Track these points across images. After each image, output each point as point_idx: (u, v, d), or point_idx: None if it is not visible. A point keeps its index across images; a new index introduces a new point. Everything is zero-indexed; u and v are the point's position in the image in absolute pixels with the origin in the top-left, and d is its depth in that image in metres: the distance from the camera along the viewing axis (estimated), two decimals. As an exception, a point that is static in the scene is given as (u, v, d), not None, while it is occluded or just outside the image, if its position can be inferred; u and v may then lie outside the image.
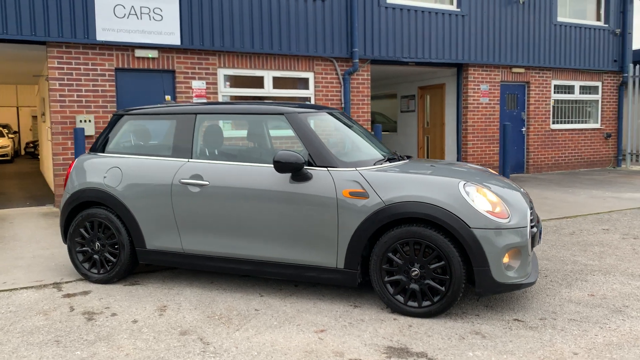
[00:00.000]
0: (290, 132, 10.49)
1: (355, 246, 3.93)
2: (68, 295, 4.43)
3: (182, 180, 4.40)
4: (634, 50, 16.11)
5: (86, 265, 4.78)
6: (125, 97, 9.18)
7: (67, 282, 4.79)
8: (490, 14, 12.53)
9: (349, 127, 4.81)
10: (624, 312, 3.91)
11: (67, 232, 4.87)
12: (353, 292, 4.40)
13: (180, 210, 4.40)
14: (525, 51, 13.12)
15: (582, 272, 4.94)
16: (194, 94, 9.59)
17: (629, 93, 14.98)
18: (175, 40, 9.27)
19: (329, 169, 4.07)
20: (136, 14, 8.94)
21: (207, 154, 4.58)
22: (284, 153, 3.98)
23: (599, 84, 14.70)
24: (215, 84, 9.80)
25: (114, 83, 8.98)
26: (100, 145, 4.92)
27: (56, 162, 8.73)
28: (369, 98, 11.35)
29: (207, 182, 4.32)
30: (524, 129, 13.60)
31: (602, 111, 14.85)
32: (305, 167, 4.06)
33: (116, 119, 4.93)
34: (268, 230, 4.16)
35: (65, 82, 8.68)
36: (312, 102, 10.80)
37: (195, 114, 4.58)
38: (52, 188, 9.29)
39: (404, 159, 4.68)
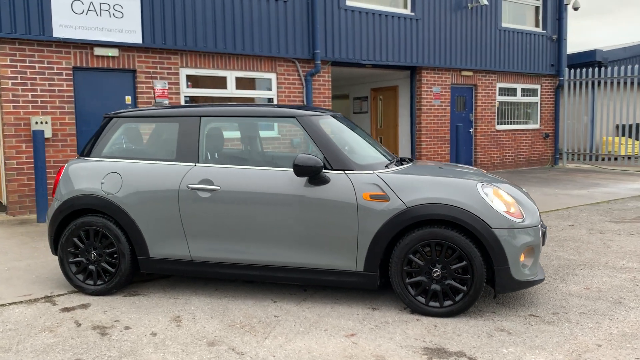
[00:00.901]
0: (274, 134, 10.38)
1: (375, 249, 3.95)
2: (66, 310, 4.16)
3: (191, 186, 4.24)
4: (568, 55, 17.12)
5: (80, 276, 4.51)
6: (84, 97, 8.73)
7: (59, 296, 4.50)
8: (442, 18, 12.93)
9: (352, 130, 4.82)
10: (624, 304, 4.17)
11: (58, 242, 4.57)
12: (367, 295, 4.42)
13: (188, 217, 4.25)
14: (473, 55, 13.64)
15: (569, 267, 5.21)
16: (155, 95, 9.26)
17: (565, 95, 15.92)
18: (136, 38, 8.91)
19: (346, 172, 4.07)
20: (95, 11, 8.52)
21: (215, 157, 4.45)
22: (303, 157, 3.94)
23: (537, 86, 15.52)
24: (178, 84, 9.51)
25: (71, 83, 8.51)
26: (92, 149, 4.65)
27: (9, 167, 8.16)
28: (330, 99, 11.41)
29: (218, 187, 4.20)
30: (472, 130, 14.14)
31: (540, 113, 15.68)
32: (323, 170, 4.04)
33: (109, 121, 4.69)
34: (284, 234, 4.10)
35: (19, 81, 8.13)
36: (275, 103, 10.71)
37: (200, 116, 4.44)
38: (4, 195, 8.68)
39: (407, 161, 4.75)
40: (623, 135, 16.44)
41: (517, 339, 3.52)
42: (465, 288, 3.85)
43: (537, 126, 15.64)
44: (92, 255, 4.45)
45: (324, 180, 4.04)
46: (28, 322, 3.91)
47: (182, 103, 9.59)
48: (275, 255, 4.14)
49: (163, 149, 4.51)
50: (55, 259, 5.67)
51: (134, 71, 9.12)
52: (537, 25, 15.30)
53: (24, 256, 5.81)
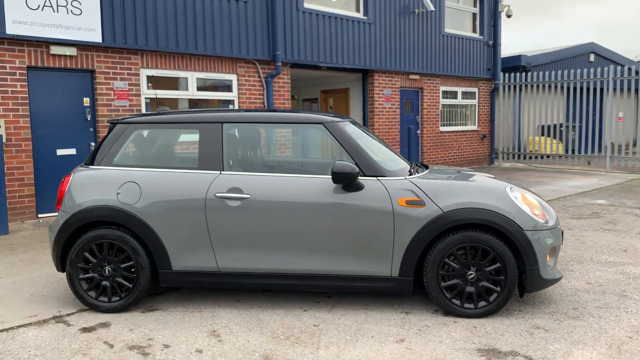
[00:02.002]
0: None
1: (411, 254, 4.01)
2: (86, 330, 3.89)
3: (218, 194, 4.09)
4: (502, 58, 18.05)
5: (92, 293, 4.22)
6: (40, 99, 8.13)
7: (69, 315, 4.19)
8: (392, 23, 13.24)
9: (369, 135, 4.85)
10: (630, 297, 4.49)
11: (66, 258, 4.25)
12: (392, 299, 4.46)
13: (216, 226, 4.10)
14: (420, 59, 14.07)
15: (561, 263, 5.53)
16: (115, 96, 8.81)
17: (500, 98, 16.81)
18: (95, 37, 8.42)
19: (379, 178, 4.09)
20: (52, 6, 7.97)
21: (242, 165, 4.32)
22: (341, 163, 3.92)
23: (475, 90, 16.27)
24: (138, 85, 9.09)
25: (26, 83, 7.91)
26: (101, 157, 4.36)
27: (-42, 175, 7.45)
28: (290, 101, 11.36)
29: (247, 195, 4.08)
30: (419, 132, 14.58)
31: (478, 115, 16.45)
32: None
33: (119, 127, 4.41)
34: (318, 242, 4.06)
35: (-32, 80, 7.45)
36: (236, 105, 10.52)
37: (222, 122, 4.29)
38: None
39: (421, 166, 4.84)
40: (547, 135, 17.57)
41: (556, 336, 3.71)
42: (498, 289, 4.00)
43: (475, 127, 16.38)
44: (106, 270, 4.18)
45: (359, 187, 4.05)
46: (52, 346, 3.61)
47: (143, 105, 9.19)
48: (309, 263, 4.09)
49: (183, 157, 4.33)
50: (43, 274, 5.27)
51: (92, 71, 8.62)
52: (474, 31, 16.03)
53: (2, 274, 5.34)
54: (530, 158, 16.98)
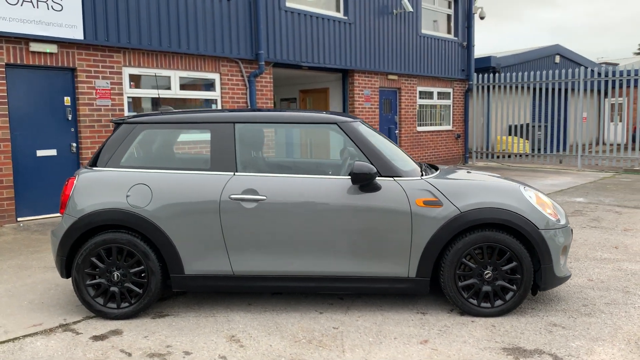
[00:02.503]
0: (201, 137, 9.93)
1: (428, 254, 4.00)
2: (98, 338, 3.74)
3: (233, 196, 4.00)
4: (476, 59, 18.32)
5: (100, 300, 4.07)
6: (18, 98, 7.81)
7: (75, 323, 4.02)
8: (372, 23, 13.28)
9: (379, 135, 4.83)
10: (634, 293, 4.60)
11: (72, 263, 4.08)
12: (407, 300, 4.45)
13: (230, 229, 4.00)
14: (398, 59, 14.17)
15: (559, 261, 5.63)
16: (97, 95, 8.54)
17: (474, 98, 17.08)
18: (77, 34, 8.15)
19: (395, 178, 4.08)
20: (31, 2, 7.67)
21: (255, 166, 4.23)
22: (360, 164, 3.89)
23: (450, 90, 16.49)
24: (121, 83, 8.85)
25: (4, 81, 7.59)
26: (107, 158, 4.20)
27: None
28: (272, 101, 11.25)
29: (264, 197, 4.00)
30: (397, 131, 14.68)
31: (453, 115, 16.68)
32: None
33: (126, 127, 4.26)
34: (335, 244, 4.02)
35: (-56, 78, 7.10)
36: (219, 104, 10.36)
37: (234, 122, 4.20)
38: None
39: (431, 167, 4.84)
40: (515, 135, 17.95)
41: (574, 333, 3.76)
42: (515, 287, 4.03)
43: (450, 127, 16.61)
44: (115, 275, 4.04)
45: (376, 188, 4.02)
46: (66, 356, 3.46)
47: (125, 104, 8.95)
48: (326, 265, 4.04)
49: (194, 158, 4.21)
50: (37, 281, 5.05)
51: (73, 70, 8.34)
52: (449, 32, 16.24)
53: (-8, 280, 5.11)
54: (503, 157, 17.32)
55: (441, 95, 16.16)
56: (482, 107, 17.13)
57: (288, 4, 11.30)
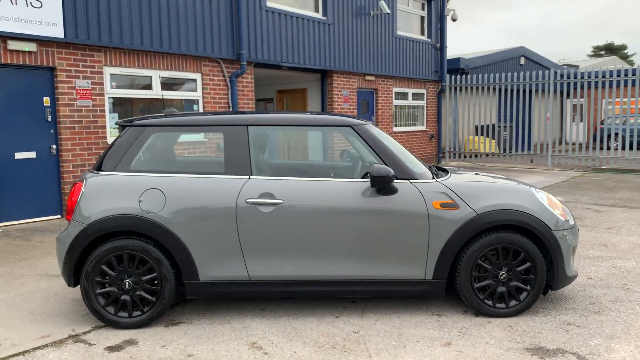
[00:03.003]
0: (200, 137, 9.75)
1: (445, 257, 4.02)
2: (113, 349, 3.61)
3: (250, 200, 3.93)
4: (448, 60, 18.58)
5: (111, 309, 3.93)
6: (-4, 97, 7.50)
7: (85, 333, 3.88)
8: (350, 24, 13.31)
9: (388, 138, 4.83)
10: (634, 290, 4.74)
11: (81, 271, 3.93)
12: (420, 302, 4.46)
13: (247, 234, 3.93)
14: (375, 60, 14.24)
15: (555, 260, 5.76)
16: (77, 95, 8.27)
17: (446, 99, 17.34)
18: (57, 32, 7.87)
19: (410, 181, 4.08)
20: (10, -2, 7.36)
21: (269, 169, 4.16)
22: (379, 167, 3.88)
23: (424, 91, 16.70)
24: (102, 83, 8.60)
25: (-19, 80, 7.27)
26: (115, 162, 4.06)
27: None
28: (254, 102, 11.14)
29: (281, 201, 3.94)
30: (373, 132, 14.74)
31: (426, 115, 16.89)
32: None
33: (134, 130, 4.12)
34: (353, 247, 3.99)
35: None
36: (201, 104, 10.19)
37: (247, 125, 4.12)
38: None
39: (442, 169, 4.86)
40: (482, 135, 18.31)
41: (589, 331, 3.84)
42: (528, 287, 4.10)
43: (424, 128, 16.81)
44: (127, 283, 3.91)
45: (393, 190, 4.02)
46: (84, 369, 3.33)
47: (107, 105, 8.70)
48: (343, 268, 4.01)
49: (207, 161, 4.11)
50: (33, 290, 4.85)
51: (53, 69, 8.05)
52: (422, 34, 16.44)
53: (-16, 289, 4.87)
54: (475, 157, 17.64)
55: (416, 96, 16.34)
56: (452, 107, 17.40)
57: (269, 4, 11.21)
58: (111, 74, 8.77)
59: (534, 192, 4.19)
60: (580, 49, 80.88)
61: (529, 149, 19.56)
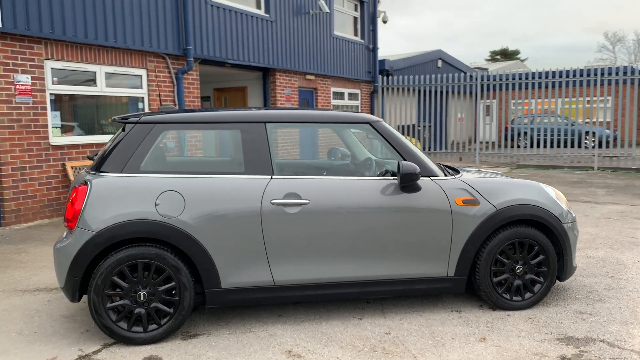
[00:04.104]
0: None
1: (467, 253, 4.05)
2: (137, 368, 3.28)
3: (275, 201, 3.72)
4: (379, 61, 18.93)
5: (123, 324, 3.57)
6: None
7: (96, 352, 3.49)
8: (292, 22, 13.17)
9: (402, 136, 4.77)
10: (617, 277, 5.02)
11: (89, 284, 3.53)
12: (434, 299, 4.45)
13: (272, 236, 3.72)
14: (314, 59, 14.21)
15: (532, 252, 6.00)
16: (16, 91, 7.51)
17: (379, 100, 17.66)
18: (-6, 20, 7.10)
19: (432, 178, 4.06)
20: (-60, -20, 6.54)
21: (290, 168, 3.96)
22: (407, 164, 3.82)
23: (358, 91, 16.91)
24: (43, 79, 7.87)
25: None
26: (121, 163, 3.67)
27: None
28: (200, 100, 10.70)
29: (307, 201, 3.77)
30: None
31: (360, 115, 17.08)
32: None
33: (142, 128, 3.76)
34: (379, 247, 3.91)
35: None
36: (146, 102, 9.63)
37: (265, 122, 3.91)
38: None
39: (451, 168, 4.86)
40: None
41: (603, 319, 4.02)
42: (542, 279, 4.22)
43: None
44: (141, 295, 3.57)
45: (417, 188, 3.98)
46: (117, 393, 2.98)
47: (48, 102, 7.97)
48: (370, 269, 3.92)
49: (224, 161, 3.85)
50: (10, 307, 4.31)
51: (-11, 61, 7.25)
52: (356, 35, 16.63)
53: (-54, 310, 4.27)
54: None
55: (351, 96, 16.51)
56: (380, 107, 17.76)
57: (214, -1, 10.82)
58: (53, 69, 8.04)
59: (543, 187, 4.33)
60: (478, 54, 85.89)
61: (445, 147, 20.40)
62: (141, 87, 9.52)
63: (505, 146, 20.94)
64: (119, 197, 3.57)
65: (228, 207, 3.66)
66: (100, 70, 8.74)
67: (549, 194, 4.28)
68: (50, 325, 3.96)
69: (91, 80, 8.64)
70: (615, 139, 18.01)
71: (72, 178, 8.06)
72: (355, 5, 16.47)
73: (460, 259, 4.05)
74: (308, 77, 14.07)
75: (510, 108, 20.89)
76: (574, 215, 4.42)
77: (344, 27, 15.86)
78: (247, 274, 3.74)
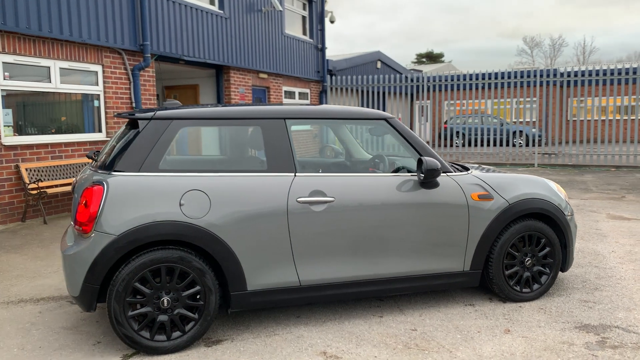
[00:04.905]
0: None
1: (482, 247, 4.12)
2: (170, 379, 3.08)
3: (301, 199, 3.62)
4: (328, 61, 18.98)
5: (146, 333, 3.35)
6: None
7: (118, 365, 3.26)
8: (245, 19, 12.94)
9: None
10: (601, 266, 5.28)
11: (109, 292, 3.28)
12: (443, 294, 4.49)
13: (298, 235, 3.61)
14: (267, 58, 14.05)
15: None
16: (-35, 87, 6.90)
17: (328, 99, 17.72)
18: (-59, 8, 6.48)
19: (447, 174, 4.10)
20: None
21: (310, 165, 3.86)
22: (430, 160, 3.83)
23: (308, 90, 16.89)
24: (-6, 73, 7.27)
25: None
26: (139, 161, 3.43)
27: None
28: (156, 98, 10.28)
29: (332, 198, 3.69)
30: (265, 131, 14.52)
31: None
32: (438, 173, 3.97)
33: (158, 124, 3.54)
34: (402, 243, 3.90)
35: None
36: (102, 99, 9.14)
37: (284, 118, 3.79)
38: None
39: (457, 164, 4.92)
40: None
41: (607, 306, 4.20)
42: (548, 271, 4.36)
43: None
44: (164, 301, 3.36)
45: (436, 184, 4.00)
46: (161, 406, 2.79)
47: (0, 98, 7.39)
48: (391, 266, 3.89)
49: (245, 158, 3.70)
50: (14, 317, 3.93)
51: None
52: (305, 34, 16.60)
53: None
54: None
55: (301, 96, 16.45)
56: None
57: (170, -7, 10.43)
58: (4, 63, 7.45)
59: (547, 181, 4.47)
60: (404, 56, 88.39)
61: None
62: (97, 84, 9.02)
63: (440, 145, 21.66)
64: (140, 198, 3.34)
65: (254, 207, 3.52)
66: (55, 66, 8.19)
67: (553, 188, 4.43)
68: (54, 338, 3.65)
69: (44, 76, 8.08)
70: (540, 137, 19.04)
71: (27, 180, 7.51)
72: (304, 5, 16.43)
73: (476, 254, 4.11)
74: (261, 75, 13.88)
75: (444, 109, 21.68)
76: (571, 208, 4.61)
77: (293, 26, 15.78)
78: (273, 275, 3.61)
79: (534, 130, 19.82)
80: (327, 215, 3.68)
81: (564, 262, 4.47)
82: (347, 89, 17.74)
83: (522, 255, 4.27)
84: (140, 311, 3.32)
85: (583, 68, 15.95)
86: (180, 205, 3.38)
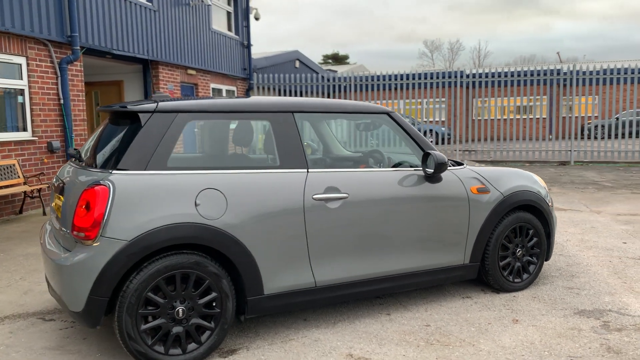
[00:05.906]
0: None
1: (481, 239, 4.17)
2: (198, 396, 2.81)
3: (316, 196, 3.45)
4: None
5: (160, 348, 3.03)
6: None
7: (132, 385, 2.92)
8: (174, 13, 12.36)
9: None
10: (572, 255, 5.57)
11: (119, 304, 2.92)
12: (441, 288, 4.49)
13: (315, 234, 3.45)
14: (195, 54, 13.52)
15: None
16: None
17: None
18: None
19: (448, 168, 4.11)
20: None
21: (323, 160, 3.69)
22: (439, 155, 3.81)
23: (234, 88, 16.48)
24: None
25: None
26: (146, 158, 3.09)
27: None
28: (84, 94, 9.53)
29: (346, 195, 3.56)
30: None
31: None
32: (441, 167, 3.96)
33: (162, 118, 3.21)
34: (412, 239, 3.85)
35: None
36: (27, 95, 8.31)
37: (292, 112, 3.60)
38: None
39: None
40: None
41: (591, 292, 4.41)
42: (536, 260, 4.51)
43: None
44: (179, 311, 3.06)
45: (440, 178, 3.99)
46: None
47: None
48: (403, 262, 3.83)
49: (255, 153, 3.47)
50: (13, 332, 3.40)
51: None
52: (230, 30, 16.19)
53: None
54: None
55: (228, 93, 16.02)
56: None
57: (97, -19, 9.71)
58: None
59: (533, 175, 4.62)
60: (309, 57, 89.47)
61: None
62: (21, 78, 8.19)
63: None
64: (152, 198, 3.01)
65: (271, 205, 3.31)
66: (-26, 56, 7.33)
67: (538, 181, 4.59)
68: (46, 358, 3.21)
69: (-37, 67, 7.21)
70: (450, 136, 19.98)
71: (-54, 185, 6.64)
72: (229, 0, 16.01)
73: (475, 246, 4.16)
74: (190, 71, 13.34)
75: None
76: (551, 198, 4.80)
77: (219, 22, 15.33)
78: (290, 277, 3.41)
79: (443, 129, 20.73)
80: (341, 212, 3.55)
81: (548, 251, 4.64)
82: (269, 87, 17.55)
83: (514, 247, 4.38)
84: (154, 324, 3.00)
85: (487, 70, 16.87)
86: (196, 205, 3.09)
